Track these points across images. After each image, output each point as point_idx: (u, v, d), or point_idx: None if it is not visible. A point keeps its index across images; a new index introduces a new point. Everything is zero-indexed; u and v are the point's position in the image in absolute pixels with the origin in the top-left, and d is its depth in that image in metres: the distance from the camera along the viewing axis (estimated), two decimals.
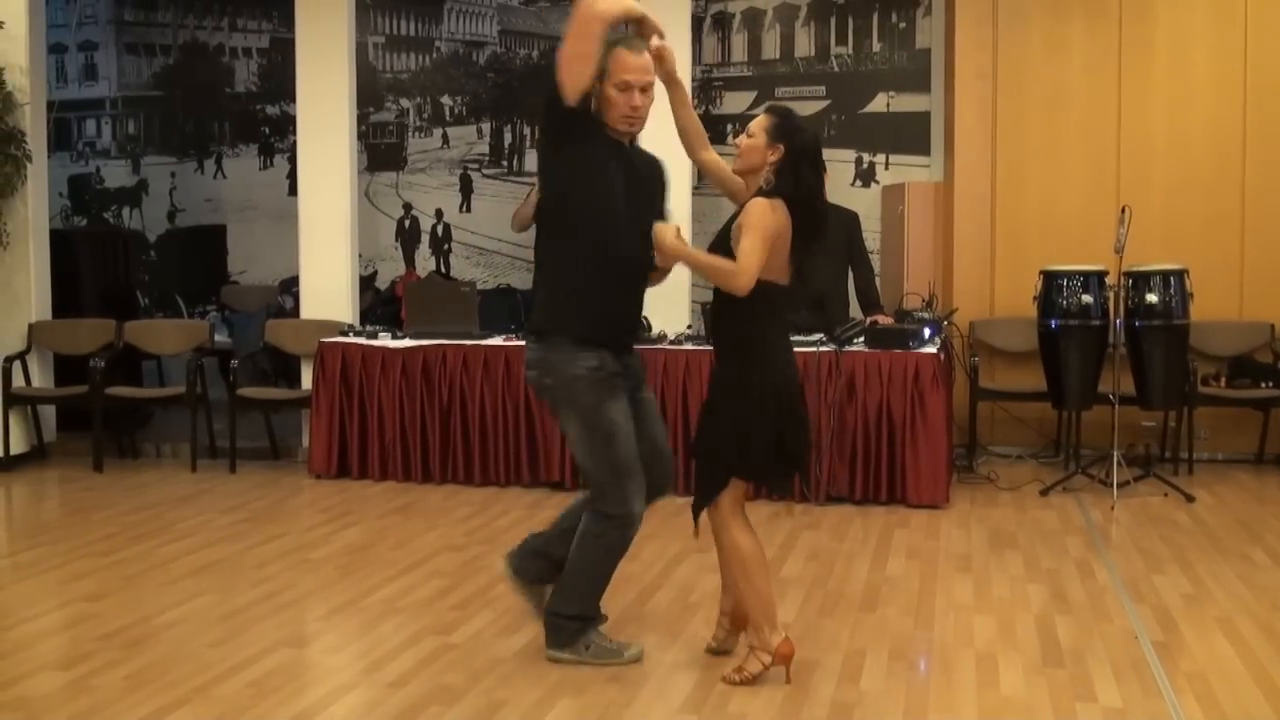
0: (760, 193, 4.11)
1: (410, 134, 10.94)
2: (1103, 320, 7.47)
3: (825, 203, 4.26)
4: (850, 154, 9.66)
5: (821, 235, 4.18)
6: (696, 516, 4.27)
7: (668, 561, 5.81)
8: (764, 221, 4.03)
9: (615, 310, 4.31)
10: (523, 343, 7.45)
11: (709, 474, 4.21)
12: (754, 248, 4.02)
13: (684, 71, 8.20)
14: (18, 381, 8.39)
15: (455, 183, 10.81)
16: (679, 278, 8.07)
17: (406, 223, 10.93)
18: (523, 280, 10.26)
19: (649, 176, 4.39)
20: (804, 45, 9.91)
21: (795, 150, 4.11)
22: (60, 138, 11.27)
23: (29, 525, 7.09)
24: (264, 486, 7.68)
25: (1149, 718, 3.93)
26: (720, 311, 4.26)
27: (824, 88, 9.81)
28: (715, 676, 4.26)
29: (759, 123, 4.18)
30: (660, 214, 4.34)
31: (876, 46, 9.77)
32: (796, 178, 4.10)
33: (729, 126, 9.82)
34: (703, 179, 9.38)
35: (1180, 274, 7.42)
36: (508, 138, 10.72)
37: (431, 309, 8.01)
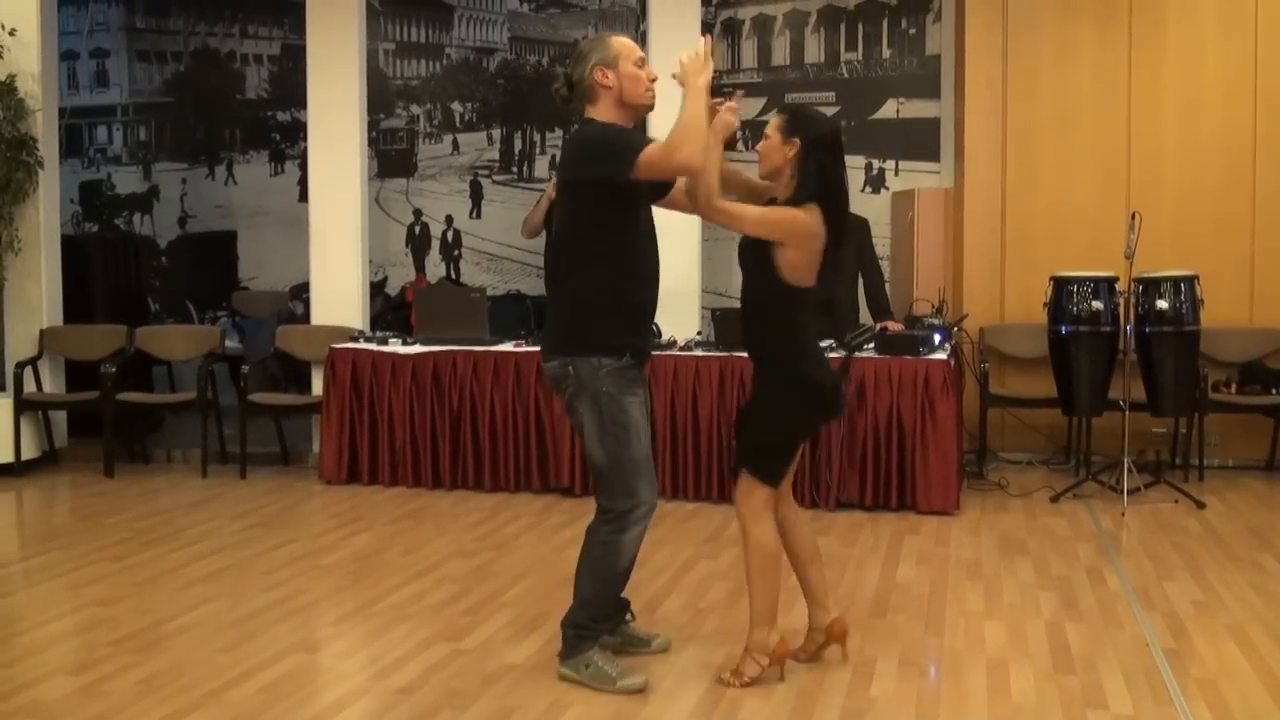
0: (789, 203, 4.19)
1: (420, 140, 10.96)
2: (1113, 326, 7.46)
3: (846, 193, 4.31)
4: (860, 160, 9.65)
5: (845, 228, 4.27)
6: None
7: (678, 568, 5.81)
8: (790, 215, 4.15)
9: (641, 323, 4.38)
10: (532, 348, 7.54)
11: (766, 460, 4.25)
12: (764, 216, 4.17)
13: None
14: (29, 387, 8.42)
15: (465, 189, 10.83)
16: (689, 286, 8.13)
17: (417, 229, 10.94)
18: (533, 286, 10.28)
19: None
20: (814, 51, 9.92)
21: (812, 141, 4.19)
22: (72, 144, 11.30)
23: (40, 530, 7.11)
24: (274, 492, 7.70)
25: None
26: (755, 319, 4.31)
27: (834, 94, 9.81)
28: (725, 684, 4.27)
29: (773, 123, 4.27)
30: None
31: (886, 53, 9.78)
32: (819, 168, 4.17)
33: (738, 133, 9.81)
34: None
35: (1191, 280, 7.41)
36: (518, 144, 10.73)
37: (442, 315, 8.03)
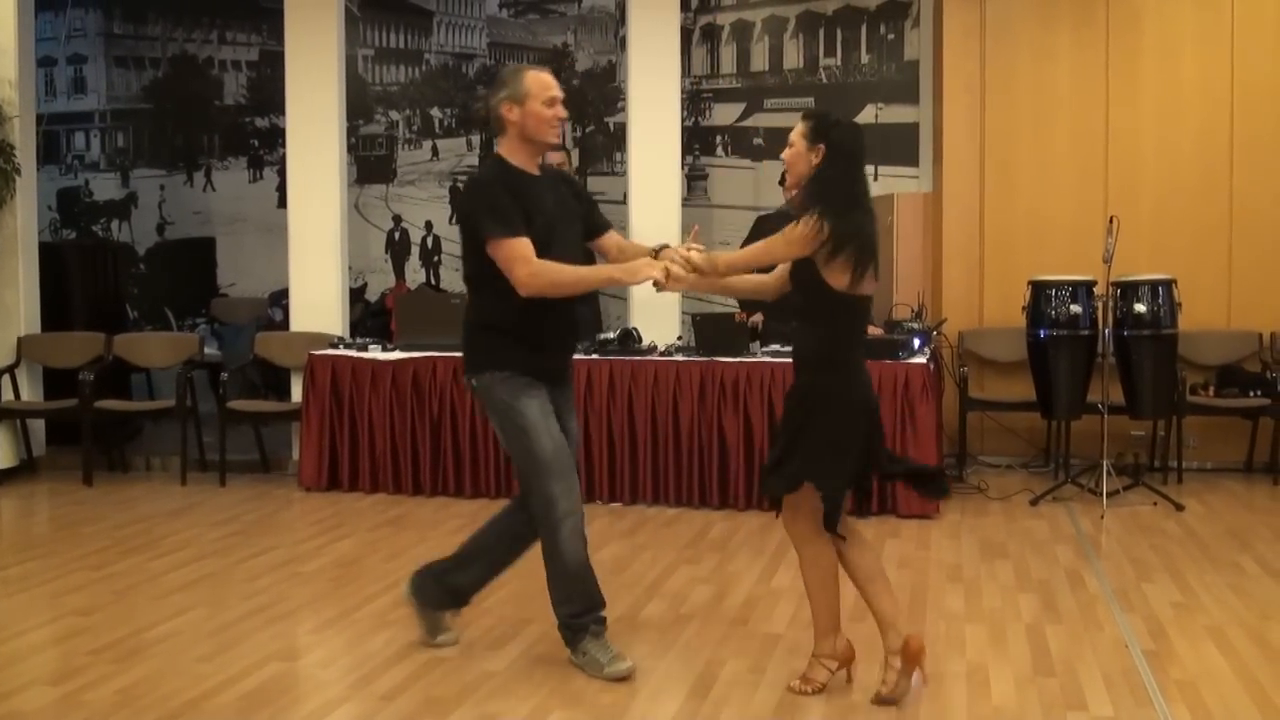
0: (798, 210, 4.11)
1: (400, 146, 10.95)
2: (1091, 330, 7.50)
3: (861, 206, 4.12)
4: None
5: (847, 240, 4.04)
6: (778, 503, 4.27)
7: (659, 573, 5.82)
8: (804, 237, 4.02)
9: (544, 345, 4.50)
10: None
11: (823, 484, 4.16)
12: (768, 246, 4.15)
13: (673, 83, 8.31)
14: (7, 395, 8.39)
15: (445, 195, 10.82)
16: (669, 293, 8.12)
17: (396, 235, 10.93)
18: None
19: (562, 196, 4.59)
20: (792, 57, 9.94)
21: (834, 147, 4.08)
22: (49, 151, 11.26)
23: (18, 540, 7.06)
24: (254, 499, 7.67)
25: None
26: (804, 329, 4.26)
27: (812, 99, 9.83)
28: (707, 689, 4.28)
29: (797, 131, 4.18)
30: (586, 219, 4.66)
31: (865, 58, 9.80)
32: (829, 179, 4.07)
33: (718, 137, 9.85)
34: (691, 192, 9.46)
35: (1168, 284, 7.45)
36: None
37: (421, 321, 8.01)
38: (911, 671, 4.17)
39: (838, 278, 4.05)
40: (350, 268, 9.00)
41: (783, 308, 7.82)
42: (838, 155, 4.08)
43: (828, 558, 4.20)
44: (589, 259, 4.71)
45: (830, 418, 4.11)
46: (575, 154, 10.15)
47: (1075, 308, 7.50)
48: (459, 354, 7.46)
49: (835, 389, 4.13)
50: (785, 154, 4.20)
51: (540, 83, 4.44)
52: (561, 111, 4.48)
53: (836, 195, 4.05)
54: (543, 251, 4.34)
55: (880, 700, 4.14)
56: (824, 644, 4.27)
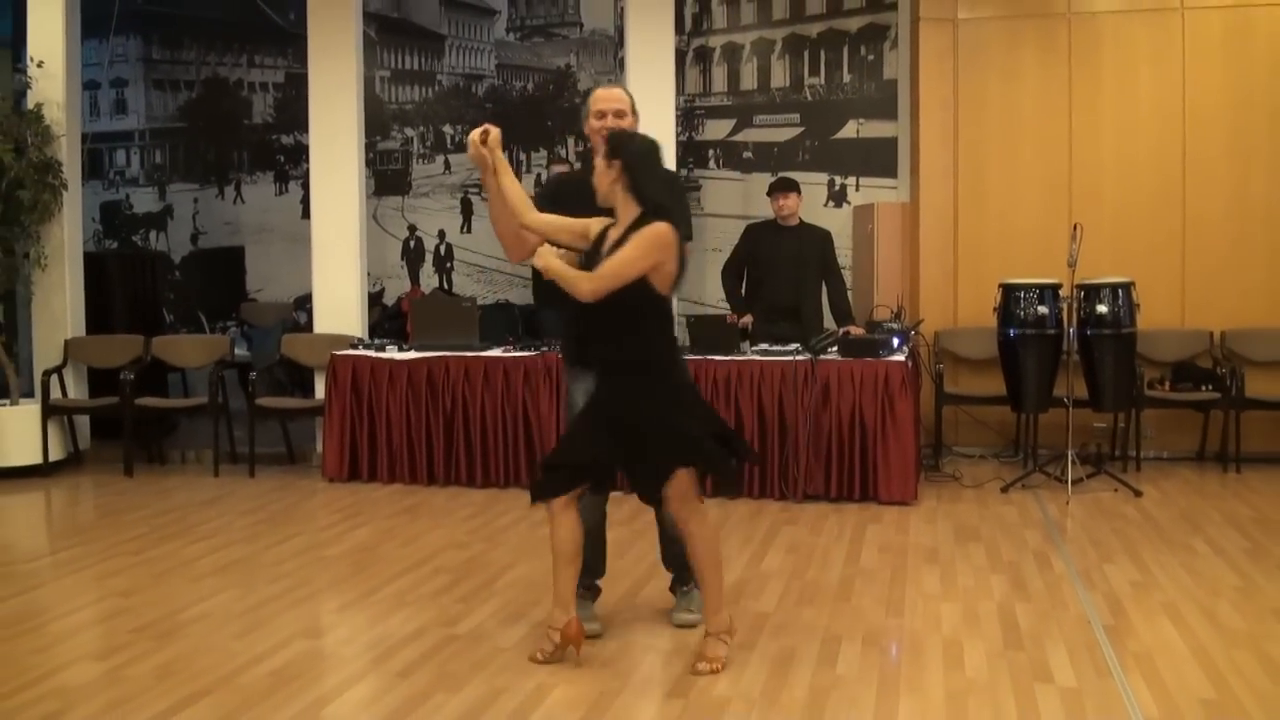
0: (638, 222, 4.11)
1: (414, 160, 10.93)
2: (1057, 329, 7.50)
3: (671, 197, 4.28)
4: (823, 177, 9.67)
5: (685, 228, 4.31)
6: (657, 501, 4.27)
7: (656, 557, 5.80)
8: (657, 243, 4.07)
9: (581, 336, 4.52)
10: (520, 354, 7.59)
11: (665, 467, 4.16)
12: (627, 261, 4.06)
13: (668, 101, 8.31)
14: (55, 393, 8.40)
15: (456, 205, 10.81)
16: None
17: (411, 243, 10.92)
18: (520, 296, 10.26)
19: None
20: (779, 76, 9.93)
21: (627, 162, 4.16)
22: (93, 167, 11.23)
23: (66, 526, 7.09)
24: (281, 490, 7.68)
25: (1101, 696, 3.95)
26: (621, 327, 4.18)
27: (798, 115, 9.82)
28: None
29: (600, 152, 4.29)
30: None
31: (847, 77, 9.79)
32: (640, 188, 4.15)
33: (710, 152, 9.85)
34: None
35: (1128, 286, 7.46)
36: None
37: (435, 323, 8.02)
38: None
39: (662, 280, 4.14)
40: (369, 274, 9.00)
41: (772, 310, 7.84)
42: (631, 169, 4.14)
43: (713, 530, 4.27)
44: None
45: (667, 403, 4.17)
46: (577, 166, 10.15)
47: (1042, 309, 7.51)
48: (469, 354, 7.64)
49: (665, 379, 4.23)
50: (594, 175, 4.24)
51: (593, 98, 4.67)
52: (610, 121, 4.56)
53: (649, 198, 4.15)
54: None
55: (697, 673, 4.17)
56: (719, 620, 4.25)
